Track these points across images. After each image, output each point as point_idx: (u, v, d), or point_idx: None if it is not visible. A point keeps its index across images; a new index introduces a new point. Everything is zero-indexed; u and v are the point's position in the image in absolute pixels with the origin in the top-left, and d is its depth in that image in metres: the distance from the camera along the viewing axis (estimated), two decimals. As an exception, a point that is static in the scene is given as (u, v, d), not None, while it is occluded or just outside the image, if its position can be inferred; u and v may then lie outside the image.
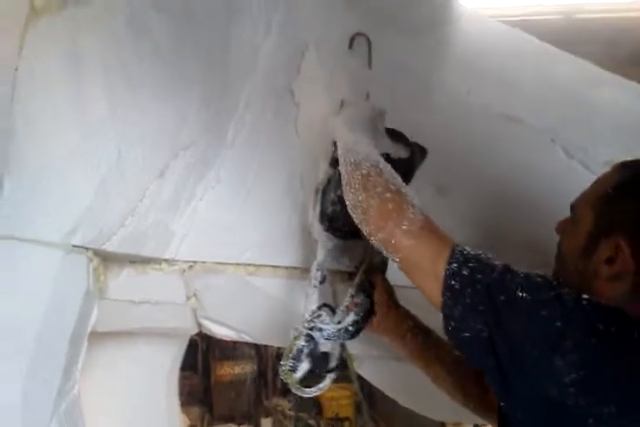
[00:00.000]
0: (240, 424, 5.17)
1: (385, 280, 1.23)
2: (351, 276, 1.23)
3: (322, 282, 1.19)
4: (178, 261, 1.29)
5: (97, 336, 1.20)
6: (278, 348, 4.96)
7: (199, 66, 1.09)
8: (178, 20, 1.04)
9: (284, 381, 1.08)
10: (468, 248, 0.91)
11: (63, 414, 1.04)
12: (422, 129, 1.17)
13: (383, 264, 1.22)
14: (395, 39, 1.28)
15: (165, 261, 1.29)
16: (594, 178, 1.24)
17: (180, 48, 1.04)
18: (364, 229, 0.98)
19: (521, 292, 0.83)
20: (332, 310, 1.13)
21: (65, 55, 0.93)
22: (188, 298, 1.36)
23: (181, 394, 1.91)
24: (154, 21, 0.99)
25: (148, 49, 1.00)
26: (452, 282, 0.88)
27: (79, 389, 1.13)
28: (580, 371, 0.78)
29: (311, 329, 1.06)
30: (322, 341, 1.07)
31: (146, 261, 1.27)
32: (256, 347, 5.16)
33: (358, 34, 1.26)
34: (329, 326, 1.08)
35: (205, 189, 1.24)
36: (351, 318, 1.12)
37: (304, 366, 1.06)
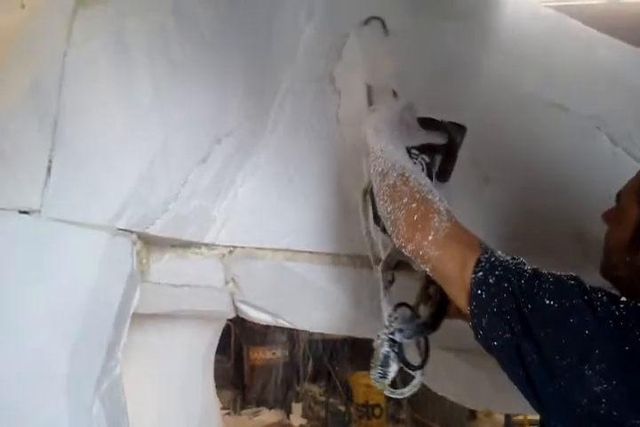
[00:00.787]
0: (271, 409, 5.24)
1: None
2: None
3: (391, 282, 1.18)
4: (218, 245, 1.31)
5: (137, 318, 1.23)
6: (310, 333, 5.02)
7: (242, 52, 1.10)
8: (222, 7, 1.04)
9: (377, 387, 1.09)
10: (496, 254, 0.89)
11: (106, 392, 1.07)
12: (467, 116, 1.16)
13: None
14: (440, 24, 1.26)
15: (205, 245, 1.30)
16: (639, 166, 1.22)
17: (223, 35, 1.05)
18: (395, 242, 0.97)
19: (549, 299, 0.81)
20: (409, 307, 1.13)
21: (111, 42, 0.95)
22: (227, 282, 1.38)
23: (215, 378, 1.94)
24: (199, 8, 1.00)
25: (192, 36, 1.01)
26: (479, 291, 0.86)
27: (121, 369, 1.15)
28: (612, 381, 0.76)
29: (392, 334, 1.06)
30: (405, 341, 1.07)
31: (186, 245, 1.29)
32: (288, 333, 5.20)
33: (372, 17, 1.24)
34: (408, 324, 1.08)
35: (246, 176, 1.25)
36: (427, 311, 1.11)
37: (393, 369, 1.07)
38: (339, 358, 5.47)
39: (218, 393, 1.97)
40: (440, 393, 1.72)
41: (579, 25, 1.48)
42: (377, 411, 5.20)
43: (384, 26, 1.26)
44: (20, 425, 0.96)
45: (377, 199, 1.01)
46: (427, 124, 1.12)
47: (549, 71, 1.35)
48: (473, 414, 5.15)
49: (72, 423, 0.98)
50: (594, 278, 1.23)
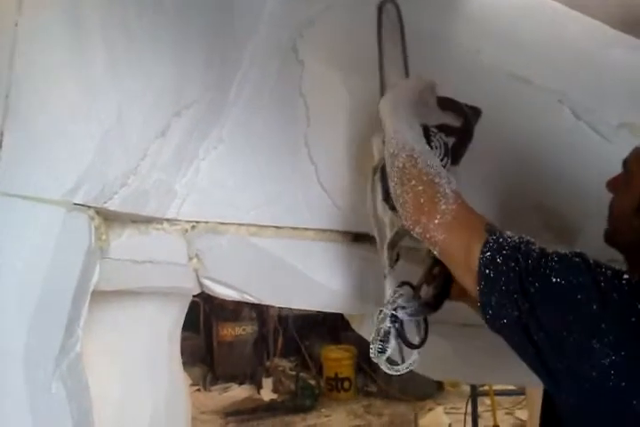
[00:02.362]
0: (241, 384, 5.28)
1: None
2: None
3: (396, 261, 1.18)
4: (180, 220, 1.29)
5: (100, 296, 1.21)
6: (280, 309, 5.05)
7: (202, 22, 1.07)
8: (180, -25, 1.01)
9: (375, 361, 1.10)
10: (504, 234, 0.90)
11: (66, 370, 1.05)
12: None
13: None
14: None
15: (167, 220, 1.28)
16: (602, 140, 1.23)
17: (182, 3, 1.02)
18: (404, 224, 0.99)
19: (555, 277, 0.83)
20: (412, 287, 1.13)
21: (64, 11, 0.91)
22: (191, 258, 1.36)
23: (183, 354, 1.93)
24: (155, -24, 0.96)
25: (150, 4, 0.97)
26: (487, 271, 0.88)
27: (82, 347, 1.14)
28: (620, 352, 0.78)
29: (395, 310, 1.07)
30: (406, 318, 1.08)
31: (148, 220, 1.26)
32: (257, 309, 5.23)
33: (388, 0, 1.21)
34: (411, 302, 1.09)
35: (208, 149, 1.23)
36: (431, 291, 1.12)
37: (392, 346, 1.08)
38: (309, 332, 5.53)
39: (187, 370, 1.97)
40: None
41: (546, 0, 1.47)
42: (346, 384, 5.28)
43: (399, 11, 1.22)
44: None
45: (389, 179, 1.02)
46: (445, 104, 1.12)
47: (513, 44, 1.35)
48: (440, 386, 5.27)
49: (31, 402, 0.97)
50: (555, 248, 1.26)
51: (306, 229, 1.34)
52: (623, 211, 0.96)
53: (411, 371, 1.77)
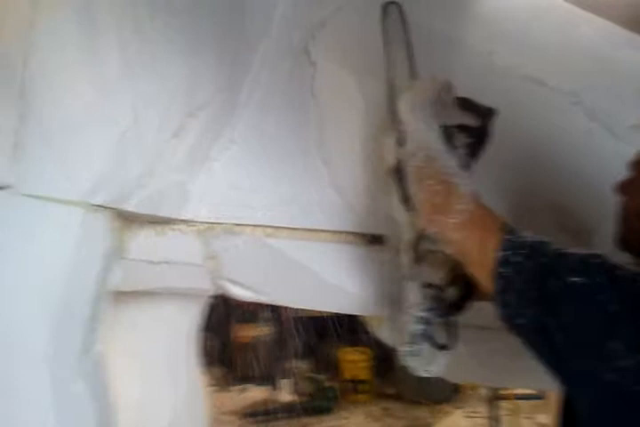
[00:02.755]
0: (259, 385, 5.29)
1: None
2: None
3: (418, 262, 1.18)
4: (196, 222, 1.30)
5: (118, 296, 1.22)
6: (296, 310, 5.05)
7: (214, 23, 1.08)
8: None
9: (405, 365, 1.11)
10: (521, 234, 0.90)
11: (87, 370, 1.07)
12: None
13: None
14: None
15: (183, 221, 1.29)
16: (617, 142, 1.22)
17: (194, 4, 1.03)
18: (418, 223, 1.00)
19: (573, 277, 0.82)
20: (437, 288, 1.13)
21: (79, 11, 0.92)
22: (207, 259, 1.38)
23: (202, 355, 1.94)
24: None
25: (162, 6, 0.99)
26: (503, 270, 0.88)
27: (102, 347, 1.15)
28: (638, 354, 0.77)
29: (422, 311, 1.07)
30: (433, 320, 1.08)
31: (165, 221, 1.28)
32: (274, 310, 5.23)
33: (391, 2, 1.21)
34: (438, 304, 1.09)
35: (220, 151, 1.24)
36: (456, 292, 1.12)
37: (422, 348, 1.09)
38: (326, 334, 5.52)
39: (206, 370, 1.98)
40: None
41: (557, 1, 1.47)
42: (364, 387, 5.27)
43: (401, 12, 1.23)
44: (3, 401, 0.96)
45: (406, 179, 1.02)
46: (463, 104, 1.12)
47: (526, 46, 1.34)
48: (457, 389, 5.23)
49: (55, 400, 0.98)
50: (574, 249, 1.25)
51: (321, 230, 1.35)
52: (636, 213, 0.95)
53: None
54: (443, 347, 1.08)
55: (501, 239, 0.89)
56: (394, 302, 1.34)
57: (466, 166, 1.08)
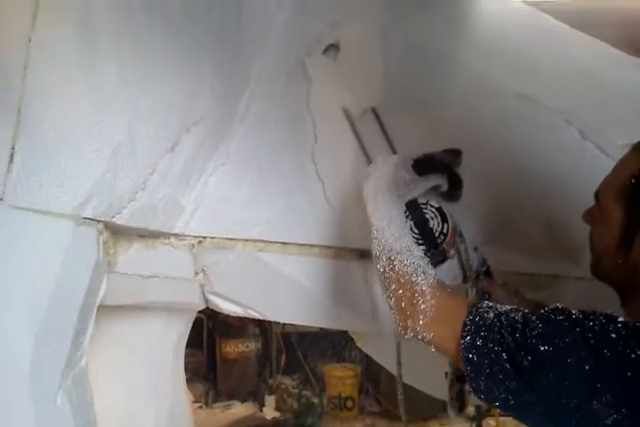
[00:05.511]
0: (244, 401, 5.23)
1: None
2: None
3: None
4: (187, 236, 1.29)
5: (105, 310, 1.21)
6: (283, 325, 5.02)
7: (210, 37, 1.08)
8: (190, -10, 1.02)
9: (454, 417, 1.20)
10: (481, 309, 0.89)
11: (71, 384, 1.05)
12: (436, 107, 1.16)
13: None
14: (409, 12, 1.26)
15: (174, 235, 1.29)
16: (609, 161, 1.23)
17: (191, 18, 1.03)
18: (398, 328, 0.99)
19: (543, 345, 0.80)
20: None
21: (77, 27, 0.92)
22: (197, 273, 1.37)
23: (186, 371, 1.92)
24: (166, -8, 0.98)
25: (159, 22, 0.99)
26: (470, 355, 0.87)
27: (87, 361, 1.14)
28: (621, 409, 0.76)
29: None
30: None
31: (155, 235, 1.27)
32: (261, 326, 5.20)
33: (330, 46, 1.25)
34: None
35: (216, 165, 1.23)
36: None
37: (467, 402, 1.16)
38: (312, 350, 5.49)
39: (190, 386, 1.96)
40: (410, 384, 1.73)
41: (550, 19, 1.49)
42: (349, 403, 5.23)
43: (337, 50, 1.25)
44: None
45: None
46: (422, 166, 1.09)
47: (520, 64, 1.36)
48: (444, 407, 5.21)
49: (36, 415, 0.97)
50: (562, 266, 1.25)
51: (312, 245, 1.35)
52: (605, 247, 0.94)
53: (414, 391, 1.78)
54: None
55: (463, 323, 0.88)
56: (381, 318, 1.34)
57: (451, 226, 1.08)
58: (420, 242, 1.07)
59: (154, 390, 1.74)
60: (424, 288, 0.94)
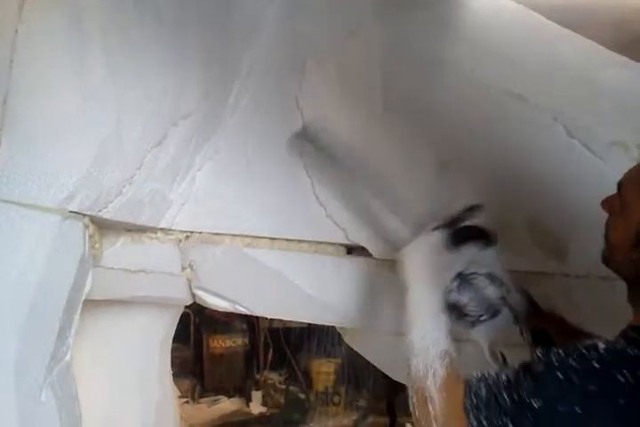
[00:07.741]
0: (231, 397, 5.23)
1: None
2: None
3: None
4: (174, 230, 1.29)
5: (91, 305, 1.20)
6: (270, 321, 5.03)
7: (201, 32, 1.08)
8: (180, -15, 1.02)
9: None
10: (473, 389, 0.88)
11: (56, 379, 1.05)
12: (425, 105, 1.16)
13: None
14: (395, 11, 1.25)
15: (161, 230, 1.28)
16: (595, 158, 1.24)
17: (181, 13, 1.03)
18: None
19: (536, 401, 0.80)
20: None
21: (65, 19, 0.91)
22: (184, 268, 1.36)
23: (173, 366, 1.92)
24: (156, -14, 0.97)
25: (149, 14, 0.98)
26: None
27: (72, 356, 1.13)
28: None
29: None
30: None
31: (142, 229, 1.26)
32: (248, 321, 5.20)
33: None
34: None
35: (204, 159, 1.23)
36: None
37: None
38: (299, 346, 5.49)
39: (177, 382, 1.96)
40: (397, 380, 1.73)
41: (538, 17, 1.49)
42: (336, 398, 5.24)
43: None
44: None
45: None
46: (458, 239, 1.08)
47: (507, 62, 1.36)
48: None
49: (20, 410, 0.96)
50: (546, 266, 1.26)
51: (300, 240, 1.35)
52: (620, 241, 0.92)
53: (402, 386, 1.79)
54: None
55: (465, 413, 0.87)
56: (368, 313, 1.34)
57: (496, 288, 1.09)
58: (482, 318, 1.08)
59: (140, 385, 1.74)
60: (433, 395, 0.92)
